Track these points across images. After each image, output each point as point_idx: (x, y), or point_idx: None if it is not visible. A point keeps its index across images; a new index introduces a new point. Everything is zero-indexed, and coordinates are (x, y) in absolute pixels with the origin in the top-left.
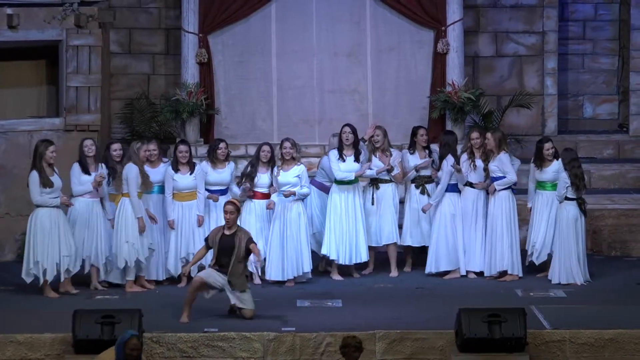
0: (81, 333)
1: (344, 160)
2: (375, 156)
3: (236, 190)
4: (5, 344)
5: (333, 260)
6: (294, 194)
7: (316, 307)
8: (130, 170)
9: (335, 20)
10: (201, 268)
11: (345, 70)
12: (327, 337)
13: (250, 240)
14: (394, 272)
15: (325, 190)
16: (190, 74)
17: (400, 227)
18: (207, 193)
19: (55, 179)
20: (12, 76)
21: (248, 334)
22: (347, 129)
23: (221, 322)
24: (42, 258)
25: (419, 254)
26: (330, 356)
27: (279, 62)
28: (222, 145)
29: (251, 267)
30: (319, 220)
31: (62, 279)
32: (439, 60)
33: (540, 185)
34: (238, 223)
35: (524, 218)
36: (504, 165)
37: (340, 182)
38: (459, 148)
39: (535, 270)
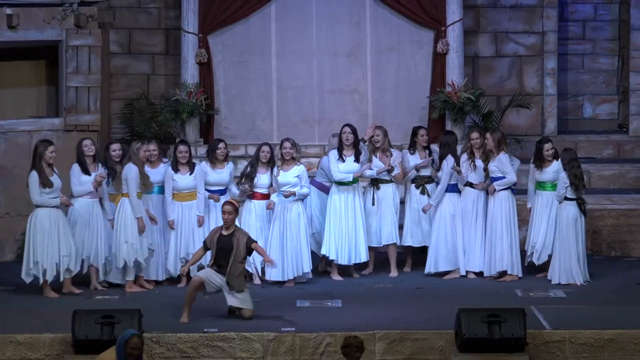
0: (81, 333)
1: (343, 161)
2: (376, 156)
3: (235, 190)
4: (5, 344)
5: (333, 261)
6: (294, 194)
7: (316, 307)
8: (130, 171)
9: (335, 21)
10: (201, 268)
11: (345, 71)
12: (326, 337)
13: (250, 239)
14: (393, 273)
15: (325, 190)
16: (190, 74)
17: (401, 227)
18: (207, 193)
19: (55, 179)
20: (12, 76)
21: (248, 334)
22: (347, 129)
23: (221, 322)
24: (41, 258)
25: (419, 254)
26: (330, 356)
27: (278, 63)
28: (221, 145)
29: (250, 268)
30: (318, 220)
31: (61, 279)
32: (438, 61)
33: (540, 185)
34: (237, 223)
35: (523, 218)
36: (503, 165)
37: (339, 183)
38: (458, 148)
39: (534, 270)
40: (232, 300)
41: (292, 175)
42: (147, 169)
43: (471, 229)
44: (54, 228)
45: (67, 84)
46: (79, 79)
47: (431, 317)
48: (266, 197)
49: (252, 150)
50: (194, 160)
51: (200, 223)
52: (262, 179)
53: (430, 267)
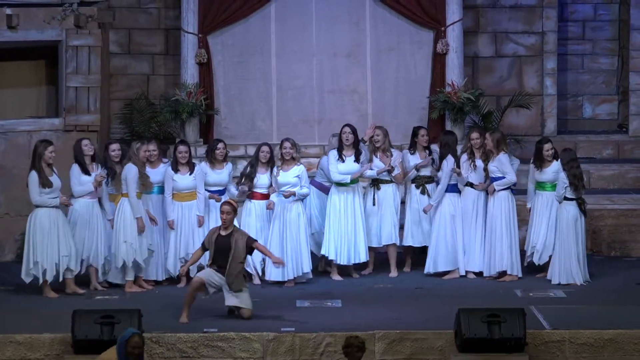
0: (80, 333)
1: (343, 161)
2: (376, 156)
3: (233, 191)
4: (4, 344)
5: (332, 261)
6: (293, 194)
7: (316, 307)
8: (130, 171)
9: (335, 21)
10: (200, 268)
11: (344, 71)
12: (326, 337)
13: (251, 239)
14: (393, 273)
15: (325, 190)
16: (190, 74)
17: (401, 227)
18: (207, 193)
19: (55, 179)
20: (12, 76)
21: (247, 334)
22: (347, 129)
23: (221, 322)
24: (41, 258)
25: (420, 254)
26: (329, 356)
27: (278, 63)
28: (220, 145)
29: (250, 269)
30: (317, 220)
31: (60, 279)
32: (438, 61)
33: (540, 185)
34: (236, 224)
35: (523, 218)
36: (503, 165)
37: (339, 183)
38: (458, 148)
39: (534, 270)
40: (232, 299)
41: (292, 176)
42: (147, 169)
43: (471, 229)
44: (54, 228)
45: (67, 84)
46: (79, 79)
47: (431, 317)
48: (266, 197)
49: (251, 151)
50: (193, 161)
51: (200, 223)
52: (262, 179)
53: (429, 267)
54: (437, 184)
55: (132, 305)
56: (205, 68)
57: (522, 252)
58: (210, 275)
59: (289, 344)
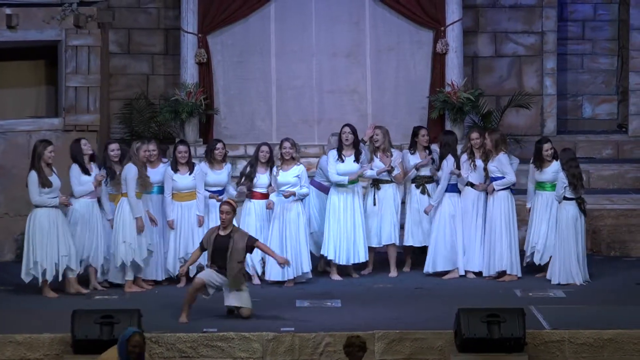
0: (80, 333)
1: (343, 161)
2: (376, 156)
3: (232, 191)
4: (4, 344)
5: (332, 260)
6: (293, 194)
7: (315, 307)
8: (129, 171)
9: (335, 21)
10: (200, 268)
11: (344, 71)
12: (326, 337)
13: (252, 238)
14: (393, 273)
15: (325, 190)
16: (190, 74)
17: (401, 227)
18: (207, 193)
19: (54, 179)
20: (11, 76)
21: (247, 334)
22: (347, 129)
23: (220, 322)
24: (41, 258)
25: (420, 254)
26: (329, 356)
27: (278, 62)
28: (219, 145)
29: (249, 269)
30: (316, 220)
31: (59, 279)
32: (438, 61)
33: (539, 185)
34: (235, 223)
35: (523, 218)
36: (502, 165)
37: (338, 184)
38: (458, 148)
39: (534, 270)
40: (231, 299)
41: (291, 175)
42: (147, 169)
43: (471, 229)
44: (53, 228)
45: (67, 84)
46: (78, 79)
47: (430, 317)
48: (265, 196)
49: (251, 150)
50: (193, 161)
51: (200, 223)
52: (262, 178)
53: (429, 267)
54: (437, 183)
55: (131, 305)
56: (205, 68)
57: (522, 252)
58: (210, 275)
59: (289, 343)
